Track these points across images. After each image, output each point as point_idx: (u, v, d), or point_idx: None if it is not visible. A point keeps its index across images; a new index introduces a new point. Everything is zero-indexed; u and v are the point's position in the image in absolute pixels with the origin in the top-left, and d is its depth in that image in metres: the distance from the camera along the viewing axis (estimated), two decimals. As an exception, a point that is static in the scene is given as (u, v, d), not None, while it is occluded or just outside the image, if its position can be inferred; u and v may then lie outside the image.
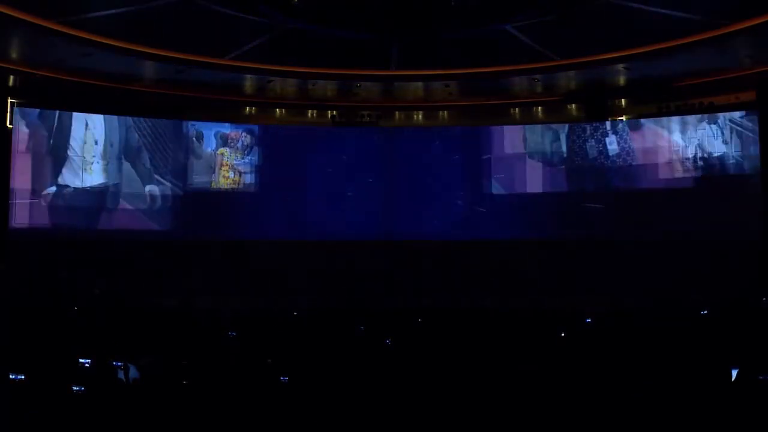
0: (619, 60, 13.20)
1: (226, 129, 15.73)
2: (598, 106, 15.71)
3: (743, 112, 14.12)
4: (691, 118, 14.67)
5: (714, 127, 14.31)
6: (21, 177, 13.62)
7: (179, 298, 11.49)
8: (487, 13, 11.48)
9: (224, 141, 15.68)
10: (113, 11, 11.40)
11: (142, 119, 14.97)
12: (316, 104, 16.41)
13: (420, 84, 15.08)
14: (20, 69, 13.39)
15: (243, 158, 15.62)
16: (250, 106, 16.45)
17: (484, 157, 15.71)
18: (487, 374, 5.41)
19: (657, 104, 15.44)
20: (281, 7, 11.28)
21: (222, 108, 16.16)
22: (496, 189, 15.53)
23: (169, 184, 14.98)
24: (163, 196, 14.82)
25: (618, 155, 14.98)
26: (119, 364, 5.57)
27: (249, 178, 15.58)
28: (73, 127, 14.25)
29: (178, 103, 15.50)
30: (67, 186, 14.01)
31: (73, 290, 11.89)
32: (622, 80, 14.60)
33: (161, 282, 13.22)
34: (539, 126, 16.21)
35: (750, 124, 13.85)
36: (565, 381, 5.11)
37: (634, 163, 14.82)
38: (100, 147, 14.49)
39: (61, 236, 13.58)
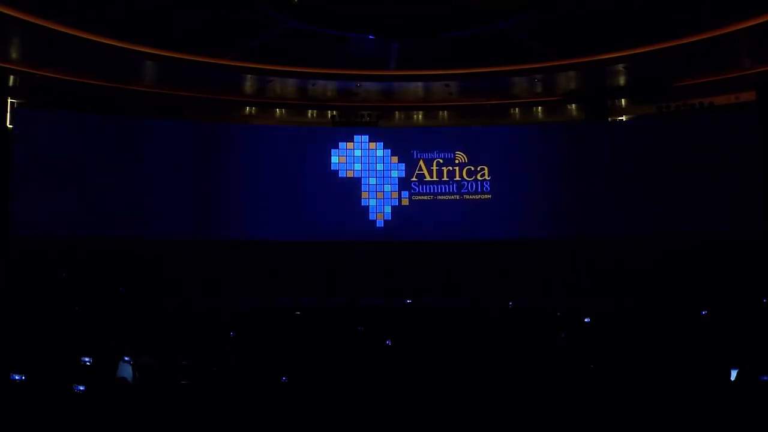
0: (619, 60, 13.21)
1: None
2: (598, 106, 15.71)
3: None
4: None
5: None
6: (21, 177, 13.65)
7: (179, 298, 11.49)
8: (487, 12, 11.47)
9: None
10: (113, 11, 11.42)
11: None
12: (316, 104, 16.42)
13: (420, 84, 15.08)
14: (20, 69, 13.40)
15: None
16: (250, 106, 16.47)
17: (483, 157, 15.71)
18: (486, 374, 5.41)
19: (657, 104, 15.46)
20: (281, 7, 11.27)
21: (222, 108, 16.18)
22: (497, 189, 15.51)
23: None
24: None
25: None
26: (127, 358, 5.57)
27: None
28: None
29: (178, 103, 15.52)
30: (67, 186, 14.00)
31: (73, 290, 11.87)
32: (622, 80, 14.60)
33: (161, 282, 13.21)
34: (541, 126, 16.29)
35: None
36: (564, 381, 5.11)
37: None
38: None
39: (61, 237, 13.57)
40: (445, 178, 15.67)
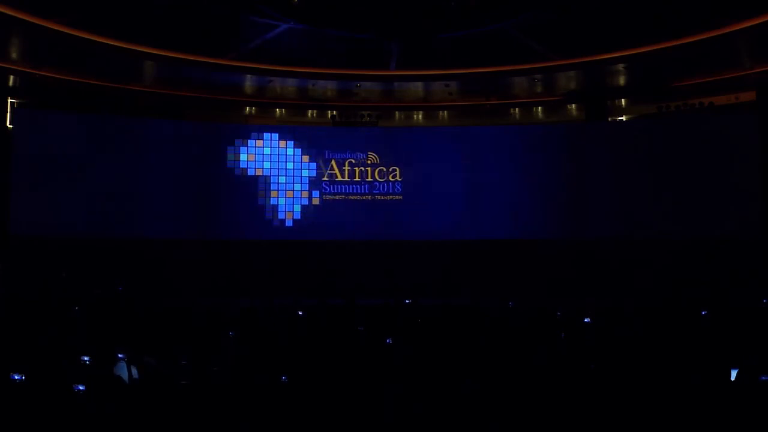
0: (619, 60, 13.22)
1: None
2: (598, 106, 15.71)
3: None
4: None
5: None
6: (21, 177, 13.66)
7: (179, 298, 11.47)
8: (487, 13, 11.48)
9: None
10: (113, 11, 11.43)
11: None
12: (316, 104, 16.42)
13: (420, 84, 15.08)
14: (20, 69, 13.41)
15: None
16: (250, 106, 16.47)
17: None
18: (486, 373, 5.41)
19: (657, 104, 15.47)
20: (281, 7, 11.28)
21: (222, 108, 16.18)
22: (495, 189, 15.50)
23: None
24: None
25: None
26: (122, 356, 5.57)
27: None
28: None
29: (178, 103, 15.52)
30: (67, 186, 14.01)
31: (74, 290, 11.87)
32: (622, 80, 14.61)
33: (161, 282, 13.20)
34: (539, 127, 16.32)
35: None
36: (564, 381, 5.11)
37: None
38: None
39: (61, 237, 13.58)
40: (357, 178, 15.62)
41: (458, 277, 14.47)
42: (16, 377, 4.85)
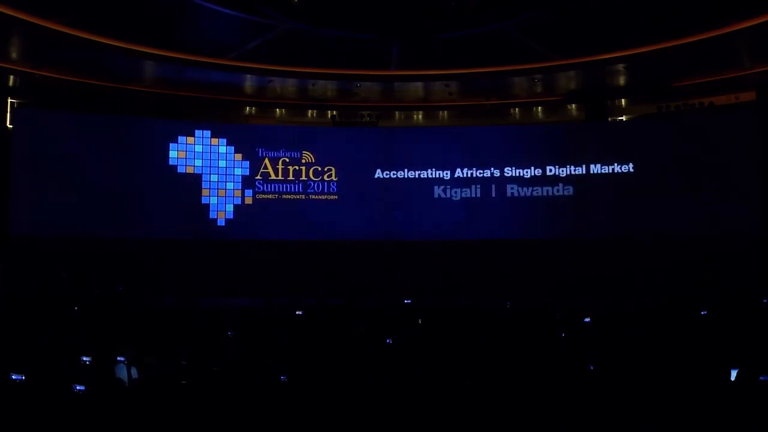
0: (619, 60, 13.22)
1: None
2: (598, 106, 15.71)
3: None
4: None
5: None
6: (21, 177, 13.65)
7: (179, 298, 11.47)
8: (487, 13, 11.48)
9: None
10: (113, 11, 11.43)
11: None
12: (316, 104, 16.41)
13: (420, 84, 15.07)
14: (20, 69, 13.41)
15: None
16: (250, 106, 16.47)
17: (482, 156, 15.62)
18: (486, 373, 5.41)
19: (657, 104, 15.47)
20: (281, 7, 11.28)
21: (222, 108, 16.18)
22: (495, 189, 15.50)
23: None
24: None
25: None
26: (122, 359, 5.57)
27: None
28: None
29: (178, 103, 15.52)
30: (67, 186, 14.00)
31: (74, 290, 11.87)
32: (622, 80, 14.61)
33: (161, 282, 13.20)
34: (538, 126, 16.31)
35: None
36: (564, 381, 5.11)
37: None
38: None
39: (61, 237, 13.57)
40: (291, 177, 15.51)
41: (458, 277, 14.45)
42: (16, 377, 4.85)
